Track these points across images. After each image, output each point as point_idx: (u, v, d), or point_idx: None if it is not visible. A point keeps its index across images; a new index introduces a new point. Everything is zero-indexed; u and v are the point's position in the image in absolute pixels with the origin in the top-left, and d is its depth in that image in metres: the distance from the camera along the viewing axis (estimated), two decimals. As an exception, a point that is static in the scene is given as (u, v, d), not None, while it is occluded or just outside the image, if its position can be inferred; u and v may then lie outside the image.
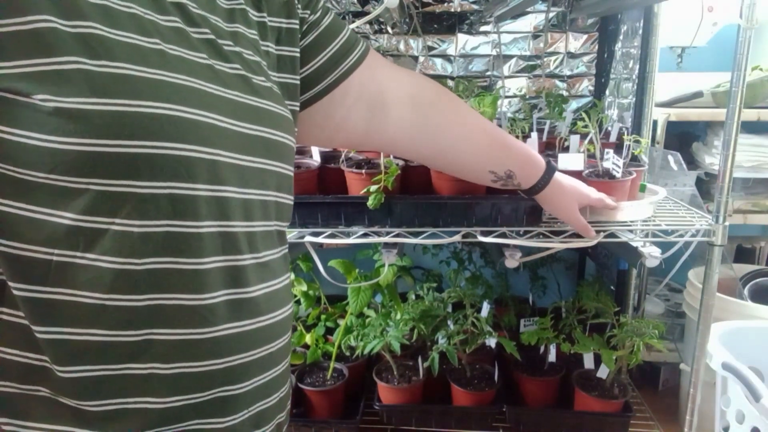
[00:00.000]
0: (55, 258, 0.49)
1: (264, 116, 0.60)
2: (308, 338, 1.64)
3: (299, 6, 0.69)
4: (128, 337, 0.52)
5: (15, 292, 0.50)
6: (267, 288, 0.61)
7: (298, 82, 0.70)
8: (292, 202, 0.67)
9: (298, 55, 0.69)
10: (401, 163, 1.22)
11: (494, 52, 2.00)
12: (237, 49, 0.60)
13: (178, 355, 0.54)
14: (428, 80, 0.87)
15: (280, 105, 0.63)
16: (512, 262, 1.24)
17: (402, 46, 2.03)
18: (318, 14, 0.72)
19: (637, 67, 1.65)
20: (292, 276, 1.64)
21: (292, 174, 0.66)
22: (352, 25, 1.94)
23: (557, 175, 1.04)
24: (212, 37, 0.57)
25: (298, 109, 0.71)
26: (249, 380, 0.59)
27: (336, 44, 0.74)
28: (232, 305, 0.56)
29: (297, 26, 0.69)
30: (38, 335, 0.51)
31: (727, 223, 1.22)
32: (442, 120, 0.87)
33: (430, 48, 2.02)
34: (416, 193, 1.23)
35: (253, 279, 0.59)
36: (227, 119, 0.55)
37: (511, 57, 2.01)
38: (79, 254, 0.49)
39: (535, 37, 1.99)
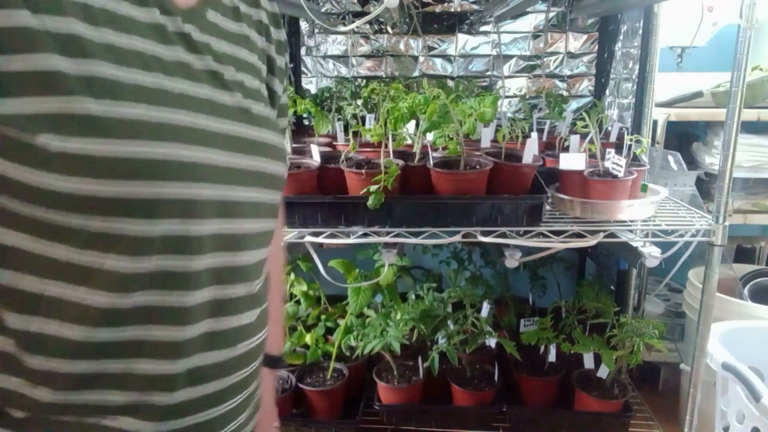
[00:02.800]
0: (47, 292, 0.50)
1: (260, 148, 0.61)
2: (308, 338, 1.64)
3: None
4: (109, 367, 0.53)
5: (5, 321, 0.51)
6: (252, 316, 0.62)
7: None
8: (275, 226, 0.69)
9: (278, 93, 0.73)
10: (401, 163, 1.22)
11: (494, 52, 2.00)
12: (239, 77, 0.60)
13: (157, 385, 0.54)
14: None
15: (276, 132, 0.65)
16: (512, 262, 1.24)
17: (402, 46, 2.03)
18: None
19: (637, 67, 1.65)
20: (292, 276, 1.64)
21: (280, 200, 0.68)
22: (352, 25, 1.95)
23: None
24: (214, 66, 0.57)
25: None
26: (223, 404, 0.60)
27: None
28: (211, 336, 0.57)
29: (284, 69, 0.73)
30: (26, 364, 0.51)
31: (727, 223, 1.22)
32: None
33: (430, 48, 2.02)
34: (416, 193, 1.23)
35: (241, 308, 0.60)
36: (225, 154, 0.56)
37: (511, 57, 2.01)
38: (70, 288, 0.50)
39: (535, 37, 1.99)
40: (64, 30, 0.46)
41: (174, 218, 0.52)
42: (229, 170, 0.56)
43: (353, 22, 1.94)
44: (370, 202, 1.15)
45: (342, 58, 2.06)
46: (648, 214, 1.28)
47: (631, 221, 1.25)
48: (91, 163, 0.47)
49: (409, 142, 1.26)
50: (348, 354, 1.61)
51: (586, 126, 1.31)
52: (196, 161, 0.53)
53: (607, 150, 1.27)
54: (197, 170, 0.53)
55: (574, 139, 1.36)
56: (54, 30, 0.46)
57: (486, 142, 1.39)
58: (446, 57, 2.03)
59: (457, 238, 1.21)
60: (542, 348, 1.58)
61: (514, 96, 2.04)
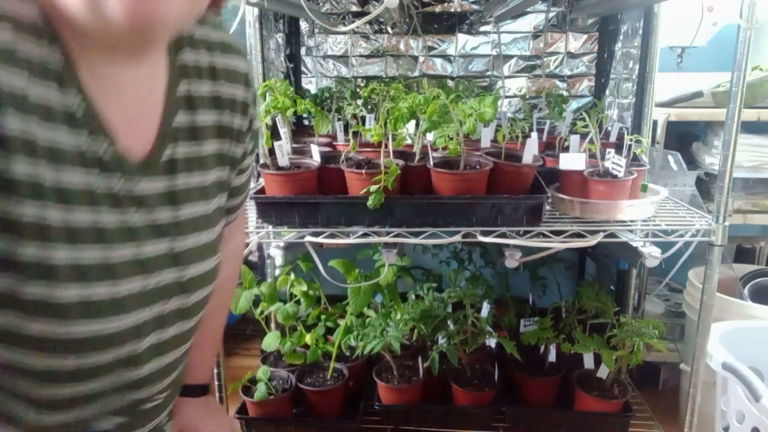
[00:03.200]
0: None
1: (193, 285, 0.65)
2: (308, 338, 1.64)
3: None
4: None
5: None
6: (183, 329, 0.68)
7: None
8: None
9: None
10: (401, 163, 1.22)
11: (494, 52, 2.00)
12: (197, 212, 0.64)
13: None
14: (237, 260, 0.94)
15: (214, 256, 0.68)
16: (512, 262, 1.24)
17: (402, 46, 2.03)
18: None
19: (637, 67, 1.65)
20: (292, 276, 1.64)
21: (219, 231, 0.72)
22: (352, 25, 1.95)
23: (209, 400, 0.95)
24: (157, 219, 0.60)
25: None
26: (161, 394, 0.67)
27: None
28: (157, 347, 0.63)
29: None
30: None
31: (727, 223, 1.22)
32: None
33: (430, 48, 2.02)
34: (416, 193, 1.23)
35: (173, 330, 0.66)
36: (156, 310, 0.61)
37: (511, 57, 2.01)
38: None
39: (535, 37, 1.99)
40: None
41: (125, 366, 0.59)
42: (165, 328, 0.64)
43: (353, 22, 1.94)
44: (370, 202, 1.15)
45: (342, 58, 2.06)
46: (648, 214, 1.28)
47: (631, 221, 1.25)
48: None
49: (409, 142, 1.26)
50: (348, 354, 1.61)
51: (586, 126, 1.31)
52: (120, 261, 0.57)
53: (607, 150, 1.27)
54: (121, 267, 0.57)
55: (574, 139, 1.36)
56: None
57: (486, 142, 1.39)
58: (446, 57, 2.03)
59: (457, 238, 1.21)
60: (542, 348, 1.58)
61: (514, 96, 2.04)
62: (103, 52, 0.52)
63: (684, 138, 1.94)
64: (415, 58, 2.03)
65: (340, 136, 1.58)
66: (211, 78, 0.65)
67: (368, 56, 2.05)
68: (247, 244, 1.26)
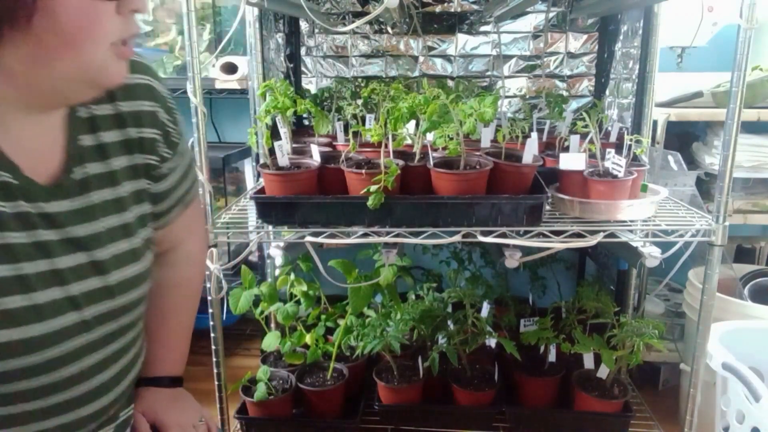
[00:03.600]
0: None
1: (117, 290, 0.72)
2: (308, 338, 1.64)
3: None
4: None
5: None
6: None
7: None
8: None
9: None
10: (401, 163, 1.22)
11: (494, 52, 2.00)
12: (114, 222, 0.72)
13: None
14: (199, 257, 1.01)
15: (138, 261, 0.75)
16: (512, 262, 1.24)
17: (402, 46, 2.03)
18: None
19: (637, 67, 1.65)
20: (292, 276, 1.64)
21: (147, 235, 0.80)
22: (352, 25, 1.95)
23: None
24: (94, 232, 0.69)
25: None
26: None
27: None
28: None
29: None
30: None
31: (727, 223, 1.22)
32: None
33: (430, 48, 2.02)
34: (416, 193, 1.23)
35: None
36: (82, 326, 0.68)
37: (511, 57, 2.01)
38: None
39: (535, 37, 1.99)
40: None
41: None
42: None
43: (353, 22, 1.94)
44: (370, 202, 1.15)
45: (342, 58, 2.06)
46: (648, 214, 1.28)
47: (631, 221, 1.25)
48: None
49: (409, 142, 1.26)
50: (348, 354, 1.61)
51: (586, 126, 1.31)
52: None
53: (607, 150, 1.27)
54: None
55: (574, 139, 1.36)
56: None
57: (486, 142, 1.39)
58: (446, 57, 2.03)
59: (457, 238, 1.21)
60: (542, 348, 1.58)
61: (514, 96, 2.04)
62: (19, 109, 0.63)
63: (684, 138, 1.94)
64: (415, 58, 2.04)
65: (340, 136, 1.58)
66: (110, 100, 0.72)
67: (368, 56, 2.05)
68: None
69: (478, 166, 1.20)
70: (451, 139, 1.17)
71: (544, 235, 1.21)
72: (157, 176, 0.79)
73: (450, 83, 2.03)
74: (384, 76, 2.05)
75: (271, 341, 1.60)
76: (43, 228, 0.64)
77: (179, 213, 0.88)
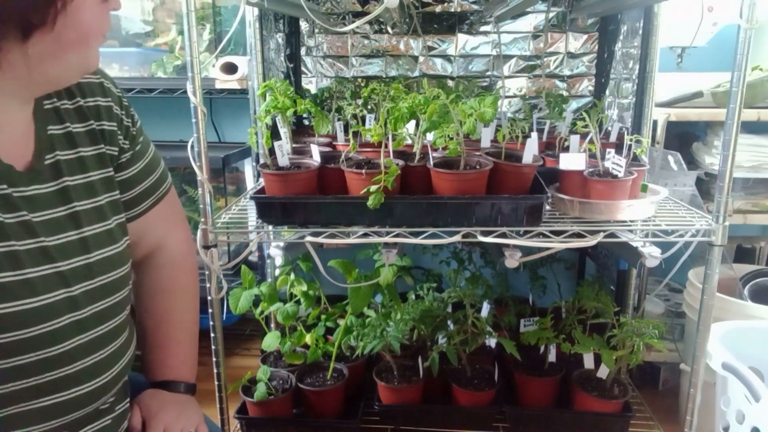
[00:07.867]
0: None
1: (97, 269, 0.77)
2: (308, 338, 1.64)
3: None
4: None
5: None
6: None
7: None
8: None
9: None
10: (401, 163, 1.22)
11: (494, 52, 2.00)
12: (88, 204, 0.78)
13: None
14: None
15: (115, 243, 0.81)
16: (512, 262, 1.24)
17: (402, 46, 2.03)
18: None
19: (637, 67, 1.65)
20: (292, 276, 1.64)
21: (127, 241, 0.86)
22: (352, 25, 1.95)
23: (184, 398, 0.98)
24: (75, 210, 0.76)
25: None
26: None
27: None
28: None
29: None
30: None
31: (727, 223, 1.22)
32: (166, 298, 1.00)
33: (430, 48, 2.02)
34: (416, 193, 1.23)
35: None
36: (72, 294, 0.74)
37: (511, 57, 2.01)
38: None
39: (535, 37, 1.99)
40: None
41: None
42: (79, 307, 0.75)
43: (353, 22, 1.94)
44: (370, 202, 1.15)
45: (342, 58, 2.06)
46: (648, 214, 1.28)
47: (631, 221, 1.25)
48: None
49: (409, 142, 1.26)
50: (348, 354, 1.61)
51: (586, 126, 1.31)
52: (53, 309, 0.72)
53: (607, 150, 1.27)
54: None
55: (574, 139, 1.35)
56: None
57: (486, 142, 1.39)
58: (446, 57, 2.03)
59: (457, 238, 1.20)
60: (542, 348, 1.58)
61: (514, 96, 2.04)
62: (2, 99, 0.69)
63: (684, 138, 1.94)
64: (415, 58, 2.04)
65: (340, 136, 1.57)
66: (69, 96, 0.80)
67: (368, 56, 2.05)
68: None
69: (478, 166, 1.20)
70: (451, 139, 1.17)
71: (544, 235, 1.21)
72: (120, 166, 0.87)
73: (450, 83, 2.03)
74: (384, 76, 2.05)
75: (271, 341, 1.60)
76: (27, 210, 0.71)
77: (152, 205, 0.93)
